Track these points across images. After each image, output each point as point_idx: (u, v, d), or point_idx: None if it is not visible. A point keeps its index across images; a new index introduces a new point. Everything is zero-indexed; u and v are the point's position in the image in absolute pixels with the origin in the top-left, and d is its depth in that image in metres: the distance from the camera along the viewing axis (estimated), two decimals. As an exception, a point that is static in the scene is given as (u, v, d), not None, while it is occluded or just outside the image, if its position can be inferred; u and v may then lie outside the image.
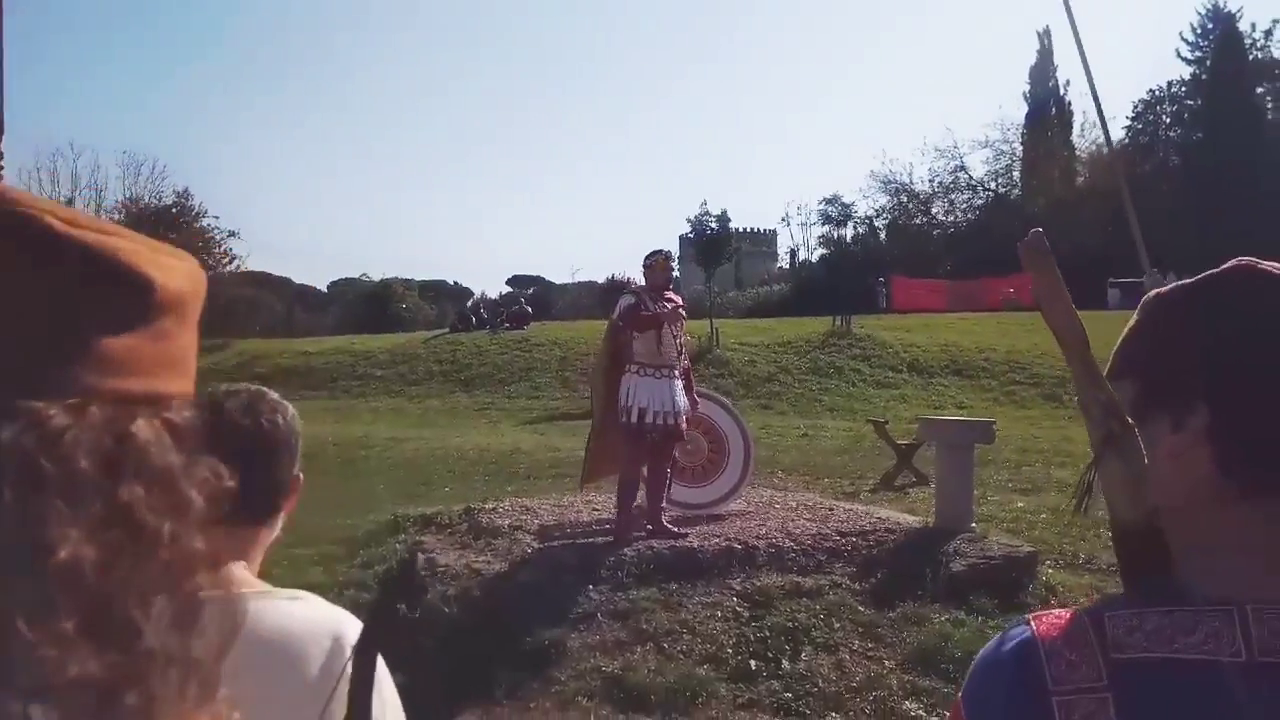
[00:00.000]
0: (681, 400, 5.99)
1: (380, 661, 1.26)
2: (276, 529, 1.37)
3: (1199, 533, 0.79)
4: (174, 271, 0.55)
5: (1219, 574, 0.76)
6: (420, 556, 6.11)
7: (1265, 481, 0.76)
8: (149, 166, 33.85)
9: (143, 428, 0.51)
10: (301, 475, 1.39)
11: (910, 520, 6.69)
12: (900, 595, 5.42)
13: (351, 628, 1.34)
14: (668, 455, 6.08)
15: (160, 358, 0.54)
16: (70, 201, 34.51)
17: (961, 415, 18.01)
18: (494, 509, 7.10)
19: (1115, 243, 30.72)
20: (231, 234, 32.42)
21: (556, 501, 7.41)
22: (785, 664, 4.73)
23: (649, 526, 5.95)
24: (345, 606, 4.69)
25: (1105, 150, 47.26)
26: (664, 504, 6.13)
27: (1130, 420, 0.79)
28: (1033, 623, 0.80)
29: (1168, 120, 50.45)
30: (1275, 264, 0.81)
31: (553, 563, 5.61)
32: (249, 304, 33.46)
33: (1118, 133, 47.59)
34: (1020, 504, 8.69)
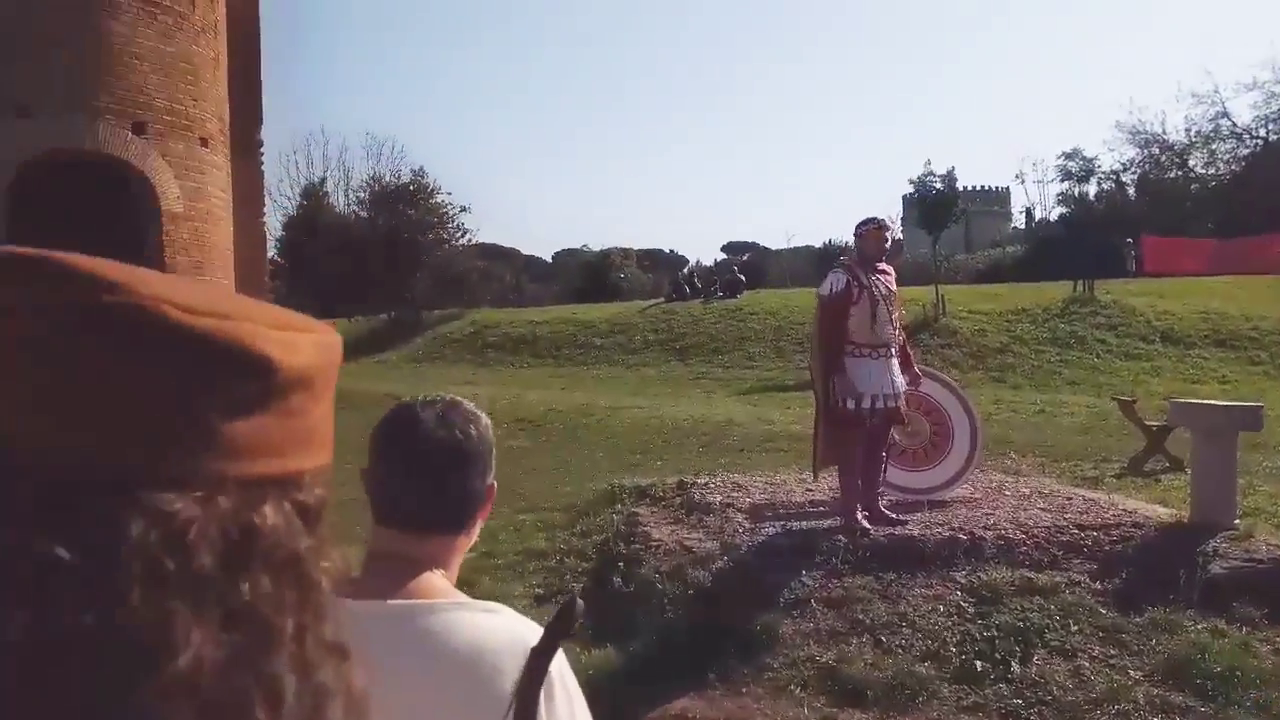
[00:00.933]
0: (899, 381, 5.70)
1: (564, 663, 1.24)
2: (474, 537, 1.38)
3: None
4: (298, 347, 0.53)
5: None
6: (635, 530, 6.22)
7: None
8: (389, 147, 36.33)
9: (270, 514, 0.50)
10: (495, 484, 1.38)
11: (1161, 514, 6.08)
12: (1148, 599, 4.93)
13: (535, 635, 1.32)
14: (884, 439, 5.81)
15: (289, 436, 0.52)
16: (322, 181, 37.76)
17: (1224, 390, 16.22)
18: (706, 484, 7.10)
19: None
20: (463, 209, 34.24)
21: (769, 479, 7.31)
22: (1015, 667, 4.42)
23: (866, 513, 5.71)
24: (566, 574, 4.90)
25: None
26: (880, 489, 5.87)
27: None
28: None
29: None
30: None
31: (765, 544, 5.53)
32: (481, 275, 35.33)
33: None
34: (1297, 497, 7.71)
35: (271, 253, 20.14)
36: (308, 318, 0.57)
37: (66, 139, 12.67)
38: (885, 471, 6.01)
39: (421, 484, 1.28)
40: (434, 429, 1.30)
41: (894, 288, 5.84)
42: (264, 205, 17.45)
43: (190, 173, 14.19)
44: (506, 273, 47.00)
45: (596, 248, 50.79)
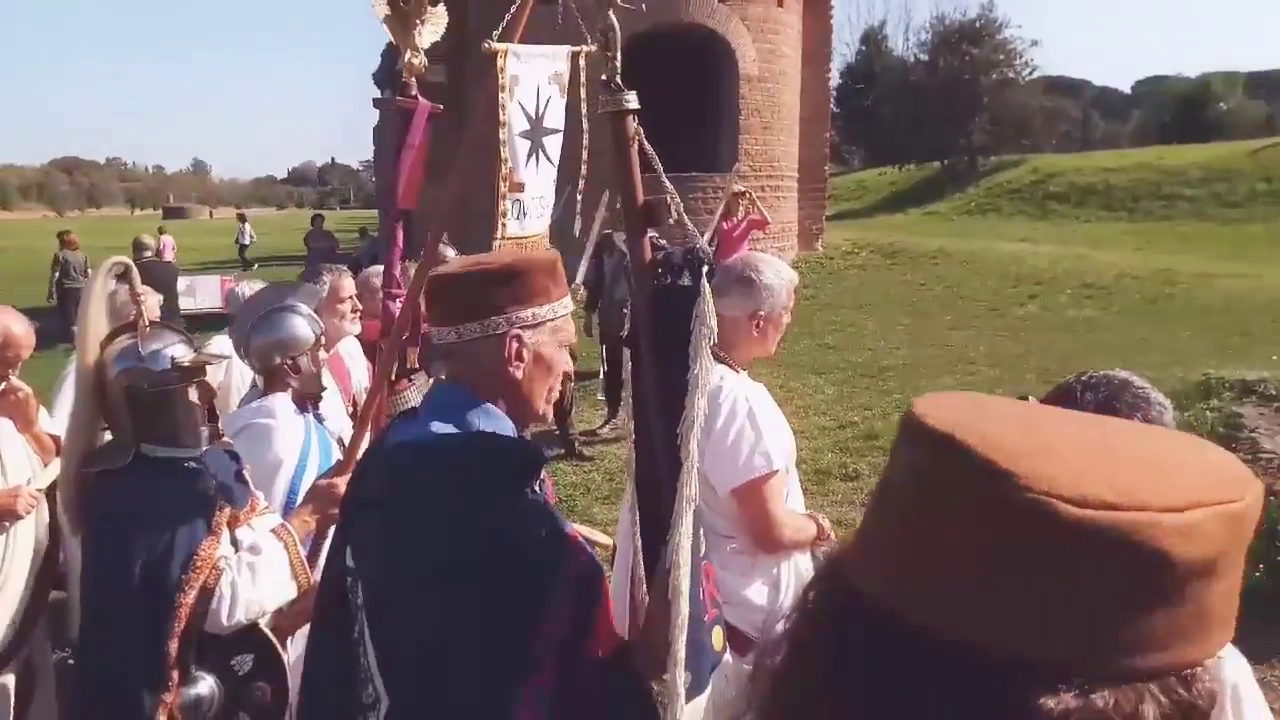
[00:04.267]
0: None
1: (1259, 696, 1.14)
2: None
3: None
4: (1199, 532, 0.49)
5: None
6: (1237, 435, 5.43)
7: None
8: (954, -20, 33.97)
9: (1147, 715, 0.49)
10: None
11: None
12: None
13: (1235, 664, 1.24)
14: None
15: (1175, 626, 0.50)
16: (883, 25, 37.04)
17: None
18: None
19: None
20: (1034, 43, 31.28)
21: None
22: None
23: None
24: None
25: None
26: None
27: None
28: None
29: None
30: None
31: None
32: (1046, 115, 32.33)
33: None
34: None
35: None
36: (1227, 473, 0.53)
37: (666, 13, 13.98)
38: None
39: None
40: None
41: None
42: (830, 59, 17.67)
43: (765, 34, 14.85)
44: (1073, 108, 42.48)
45: (1191, 73, 43.37)
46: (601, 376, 7.22)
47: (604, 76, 1.34)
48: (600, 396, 7.34)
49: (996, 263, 14.80)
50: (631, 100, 1.33)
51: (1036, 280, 13.34)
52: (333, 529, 1.90)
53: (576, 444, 6.68)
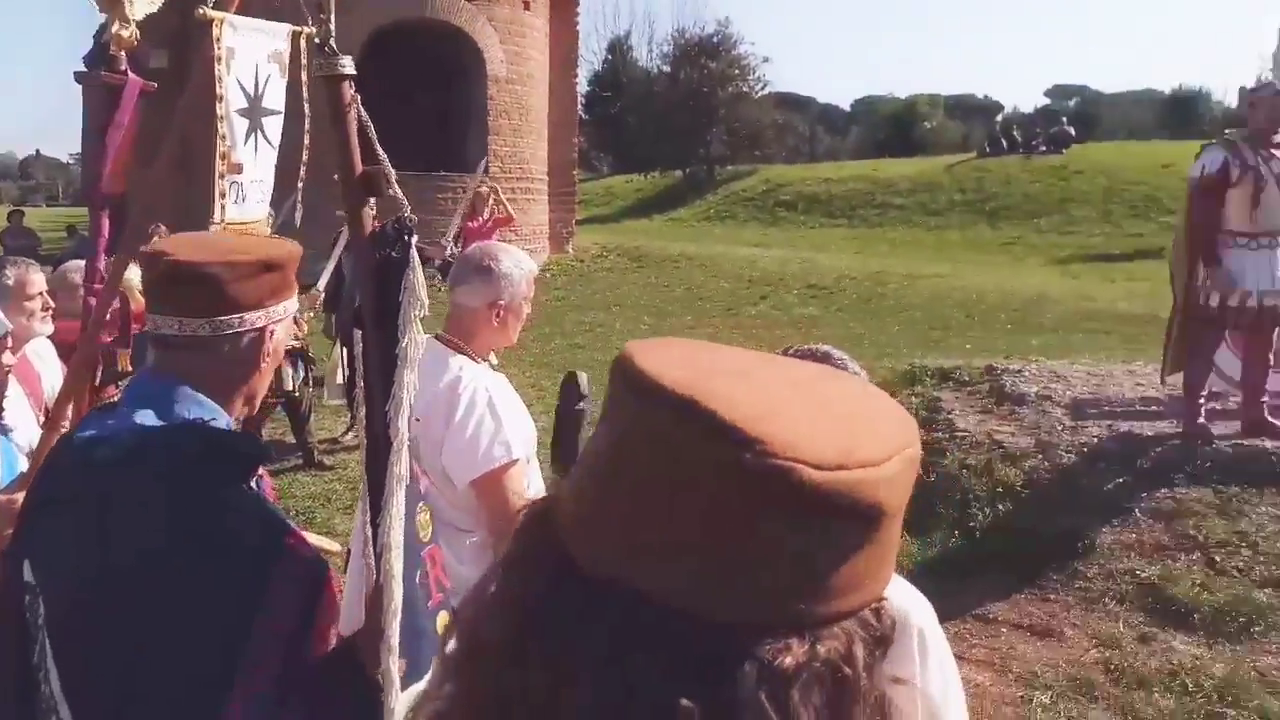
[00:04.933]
0: None
1: (933, 620, 1.25)
2: None
3: None
4: (900, 479, 0.53)
5: None
6: (937, 417, 6.06)
7: None
8: (692, -6, 35.54)
9: (859, 656, 0.52)
10: None
11: None
12: None
13: (920, 607, 1.33)
14: (1268, 342, 5.04)
15: (875, 563, 0.54)
16: (628, 35, 38.12)
17: None
18: (1019, 371, 6.71)
19: None
20: (765, 59, 33.48)
21: (1091, 369, 6.77)
22: (1382, 608, 3.92)
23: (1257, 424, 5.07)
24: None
25: None
26: (1264, 398, 5.16)
27: None
28: None
29: None
30: None
31: (1086, 445, 5.19)
32: (777, 129, 34.60)
33: None
34: None
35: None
36: (905, 421, 0.56)
37: (409, 7, 13.63)
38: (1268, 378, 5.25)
39: None
40: None
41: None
42: (577, 65, 17.96)
43: (513, 36, 14.86)
44: (801, 124, 45.63)
45: (901, 95, 47.90)
46: (342, 380, 6.89)
47: (317, 39, 1.28)
48: (339, 402, 6.98)
49: (732, 266, 15.70)
50: (347, 65, 1.27)
51: (767, 282, 14.26)
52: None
53: (316, 452, 6.32)
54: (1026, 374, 6.59)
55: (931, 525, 4.93)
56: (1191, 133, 23.18)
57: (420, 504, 1.54)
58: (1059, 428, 5.44)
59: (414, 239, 1.20)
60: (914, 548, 4.74)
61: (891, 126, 41.74)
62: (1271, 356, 5.11)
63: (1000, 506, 4.88)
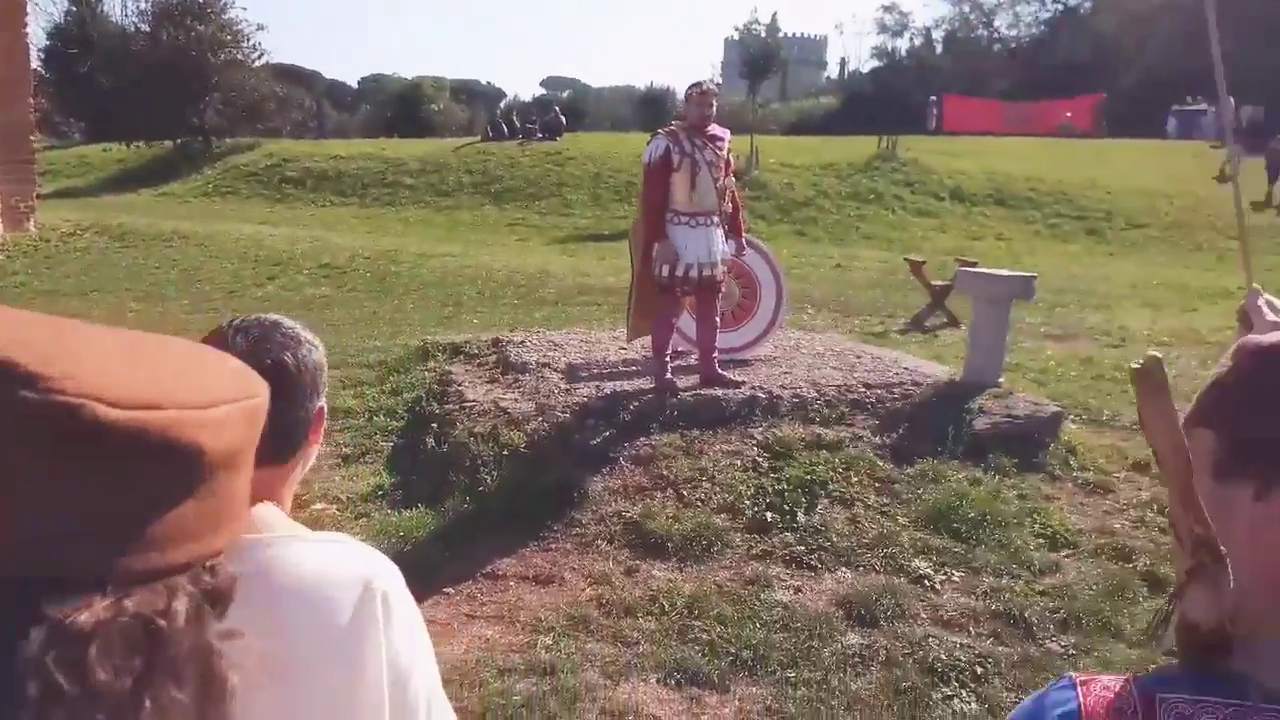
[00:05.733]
0: (720, 250, 5.78)
1: (401, 583, 1.27)
2: (307, 462, 1.34)
3: (1268, 620, 0.75)
4: (227, 424, 0.51)
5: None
6: (448, 389, 6.23)
7: None
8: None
9: (180, 611, 0.49)
10: (325, 405, 1.34)
11: (938, 372, 6.66)
12: (920, 451, 5.47)
13: (384, 574, 1.33)
14: (712, 306, 5.89)
15: (209, 516, 0.51)
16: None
17: (999, 245, 17.64)
18: (522, 342, 7.15)
19: (1190, 65, 29.00)
20: (260, 27, 31.24)
21: (584, 337, 7.43)
22: (800, 516, 4.84)
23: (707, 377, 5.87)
24: (375, 434, 4.87)
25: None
26: (715, 353, 6.01)
27: (1215, 547, 0.73)
28: (1079, 691, 0.77)
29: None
30: None
31: (580, 405, 5.68)
32: (278, 102, 32.69)
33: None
34: (1050, 352, 8.64)
35: (35, 64, 17.65)
36: (244, 374, 0.54)
37: None
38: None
39: None
40: (246, 359, 1.25)
41: (724, 154, 5.80)
42: (26, 10, 15.26)
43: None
44: (306, 96, 43.74)
45: (407, 75, 47.97)
46: None
47: None
48: None
49: (235, 245, 14.60)
50: None
51: (275, 262, 13.51)
52: None
53: None
54: (529, 344, 7.04)
55: (445, 493, 5.07)
56: (661, 126, 26.30)
57: None
58: (556, 391, 5.90)
59: None
60: (428, 517, 4.84)
61: (399, 106, 41.67)
62: (718, 319, 6.03)
63: (506, 468, 5.17)
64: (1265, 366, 0.77)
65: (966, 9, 51.51)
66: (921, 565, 4.49)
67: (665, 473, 5.12)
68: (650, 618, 4.02)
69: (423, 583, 4.15)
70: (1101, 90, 35.47)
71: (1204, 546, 0.70)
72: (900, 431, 5.67)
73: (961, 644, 3.85)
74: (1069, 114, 33.42)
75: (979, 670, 3.68)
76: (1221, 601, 0.72)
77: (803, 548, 4.62)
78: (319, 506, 5.10)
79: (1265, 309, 1.17)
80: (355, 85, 58.87)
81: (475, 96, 51.55)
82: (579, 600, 4.15)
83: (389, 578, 1.38)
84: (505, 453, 5.29)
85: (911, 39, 51.25)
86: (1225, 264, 16.44)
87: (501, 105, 36.88)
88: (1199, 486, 0.76)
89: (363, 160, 24.20)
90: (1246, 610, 0.75)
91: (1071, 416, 6.30)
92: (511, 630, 3.91)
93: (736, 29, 25.27)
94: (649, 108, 38.73)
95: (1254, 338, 0.79)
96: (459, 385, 6.29)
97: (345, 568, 1.18)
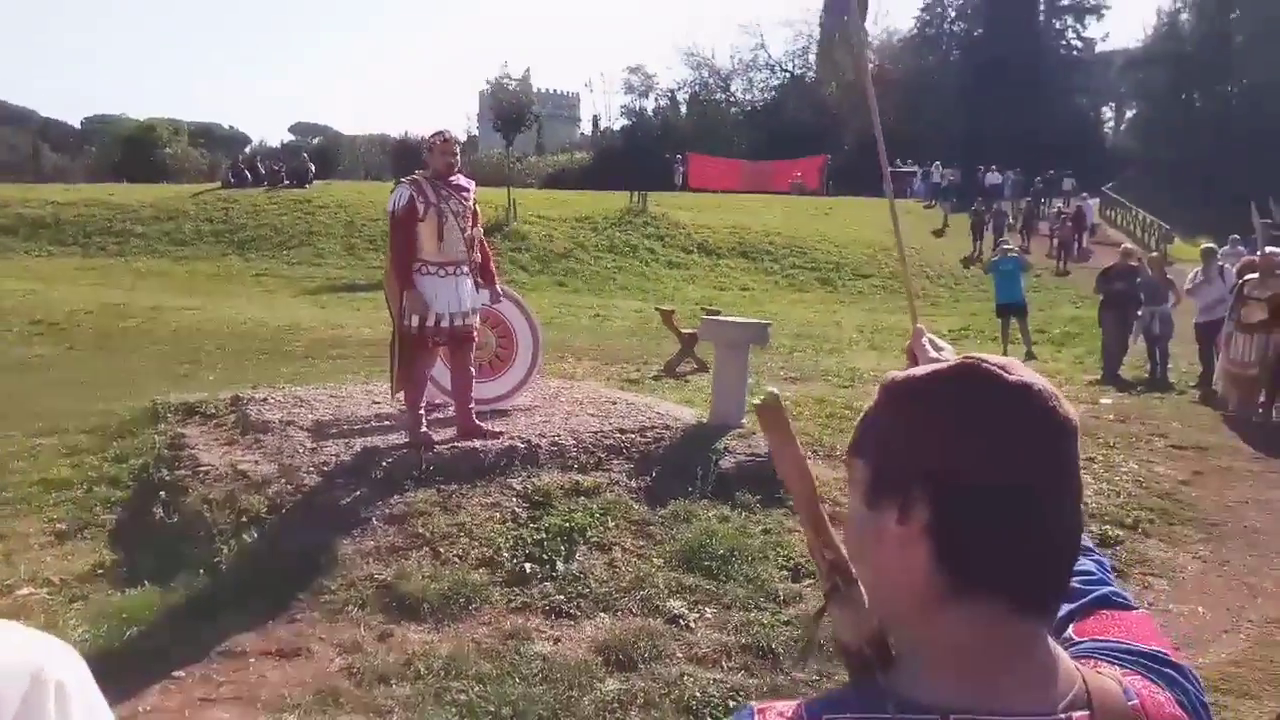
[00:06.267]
0: (471, 299, 5.76)
1: (85, 673, 1.15)
2: None
3: (915, 636, 0.81)
4: None
5: (928, 681, 0.79)
6: (180, 454, 5.76)
7: (970, 584, 0.78)
8: None
9: None
10: None
11: (687, 415, 6.94)
12: (673, 492, 5.65)
13: (57, 661, 1.21)
14: (467, 356, 5.83)
15: None
16: None
17: (744, 295, 18.78)
18: (265, 399, 6.75)
19: (900, 130, 32.42)
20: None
21: (333, 392, 7.12)
22: (560, 565, 4.85)
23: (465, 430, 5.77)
24: (96, 506, 4.45)
25: (887, 40, 49.08)
26: (472, 404, 5.93)
27: (850, 576, 0.80)
28: (757, 717, 0.82)
29: (953, 14, 53.03)
30: (998, 361, 0.82)
31: (327, 464, 5.42)
32: (-19, 140, 29.35)
33: (906, 23, 49.77)
34: (788, 393, 9.24)
35: None
36: None
37: None
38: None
39: None
40: None
41: (469, 204, 5.79)
42: None
43: None
44: (20, 139, 39.67)
45: (138, 116, 44.63)
46: None
47: None
48: None
49: (-74, 301, 12.88)
50: None
51: (-23, 319, 12.02)
52: None
53: None
54: (271, 402, 6.66)
55: (175, 569, 4.66)
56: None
57: None
58: (301, 450, 5.60)
59: None
60: (156, 596, 4.43)
61: (129, 149, 38.59)
62: (474, 369, 5.99)
63: (245, 536, 4.83)
64: (895, 398, 0.85)
65: (705, 74, 54.86)
66: (676, 605, 4.62)
67: (421, 530, 4.98)
68: (405, 683, 3.87)
69: (149, 668, 3.78)
70: (825, 152, 38.82)
71: (835, 570, 0.77)
72: (654, 474, 5.85)
73: (714, 679, 3.98)
74: (799, 173, 36.28)
75: (731, 704, 3.82)
76: (862, 621, 0.78)
77: (562, 597, 4.62)
78: (25, 592, 4.54)
79: (928, 346, 1.30)
80: (78, 125, 53.89)
81: (216, 141, 48.59)
82: (327, 672, 3.93)
83: (64, 666, 1.25)
84: (244, 520, 4.95)
85: (656, 99, 53.82)
86: (939, 308, 18.36)
87: (246, 150, 35.00)
88: (853, 512, 0.84)
89: (85, 206, 22.12)
90: (898, 628, 0.83)
91: (808, 453, 6.76)
92: (251, 711, 3.64)
93: (489, 82, 25.42)
94: (405, 157, 38.11)
95: (892, 373, 0.88)
96: (193, 449, 5.84)
97: (8, 658, 1.06)
